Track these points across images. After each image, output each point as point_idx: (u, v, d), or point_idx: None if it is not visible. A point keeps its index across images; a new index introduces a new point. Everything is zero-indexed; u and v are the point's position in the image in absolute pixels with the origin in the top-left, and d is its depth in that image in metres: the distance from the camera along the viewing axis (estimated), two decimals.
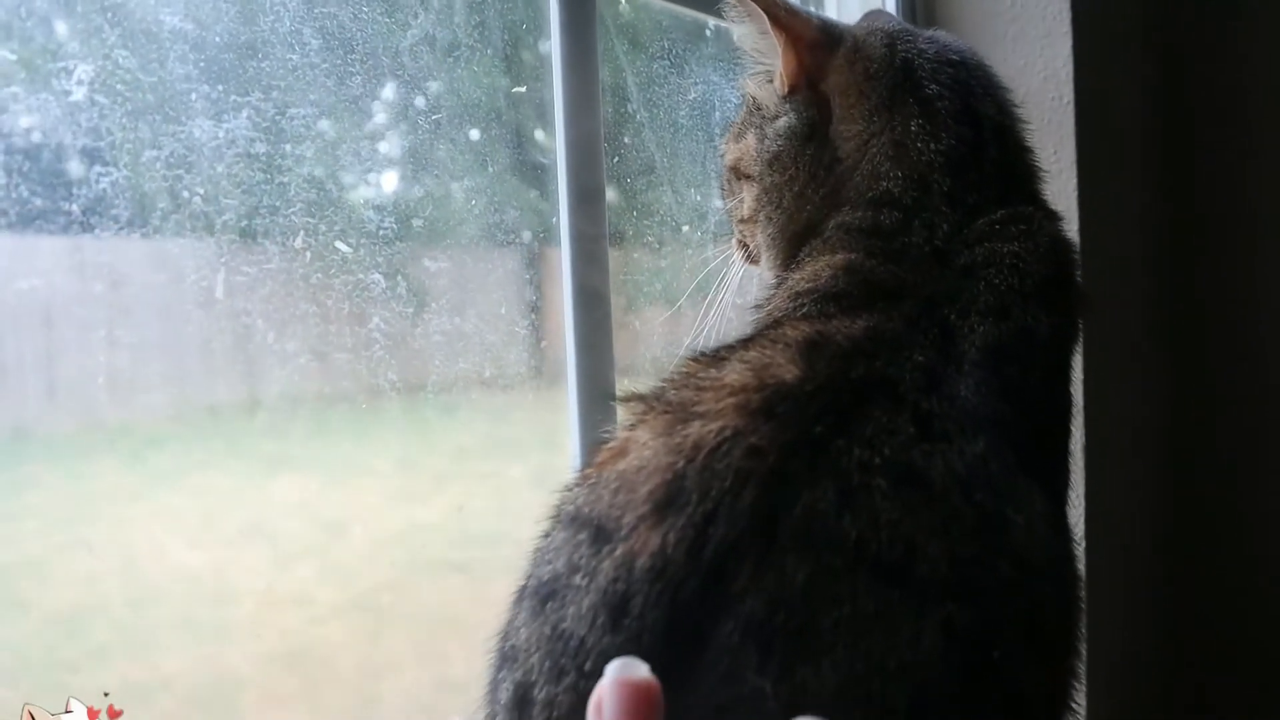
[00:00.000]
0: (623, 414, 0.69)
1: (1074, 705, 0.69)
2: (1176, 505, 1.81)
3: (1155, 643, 1.76)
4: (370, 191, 0.94)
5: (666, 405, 0.65)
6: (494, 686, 0.64)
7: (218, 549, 0.92)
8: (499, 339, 1.08)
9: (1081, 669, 0.69)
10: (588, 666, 0.57)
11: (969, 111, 0.81)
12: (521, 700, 0.60)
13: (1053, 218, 0.81)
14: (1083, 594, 0.70)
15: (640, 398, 0.69)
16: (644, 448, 0.62)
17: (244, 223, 0.80)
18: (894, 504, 0.58)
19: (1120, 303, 1.47)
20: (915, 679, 0.55)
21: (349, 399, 0.95)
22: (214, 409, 0.89)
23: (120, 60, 0.75)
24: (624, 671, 0.41)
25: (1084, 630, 0.70)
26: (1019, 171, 0.84)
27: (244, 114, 0.81)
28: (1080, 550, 1.25)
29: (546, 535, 0.66)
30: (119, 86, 0.75)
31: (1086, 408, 1.26)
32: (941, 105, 0.80)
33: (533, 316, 1.10)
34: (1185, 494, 1.81)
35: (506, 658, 0.63)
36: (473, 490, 1.18)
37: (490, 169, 1.03)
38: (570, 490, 0.66)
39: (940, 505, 0.60)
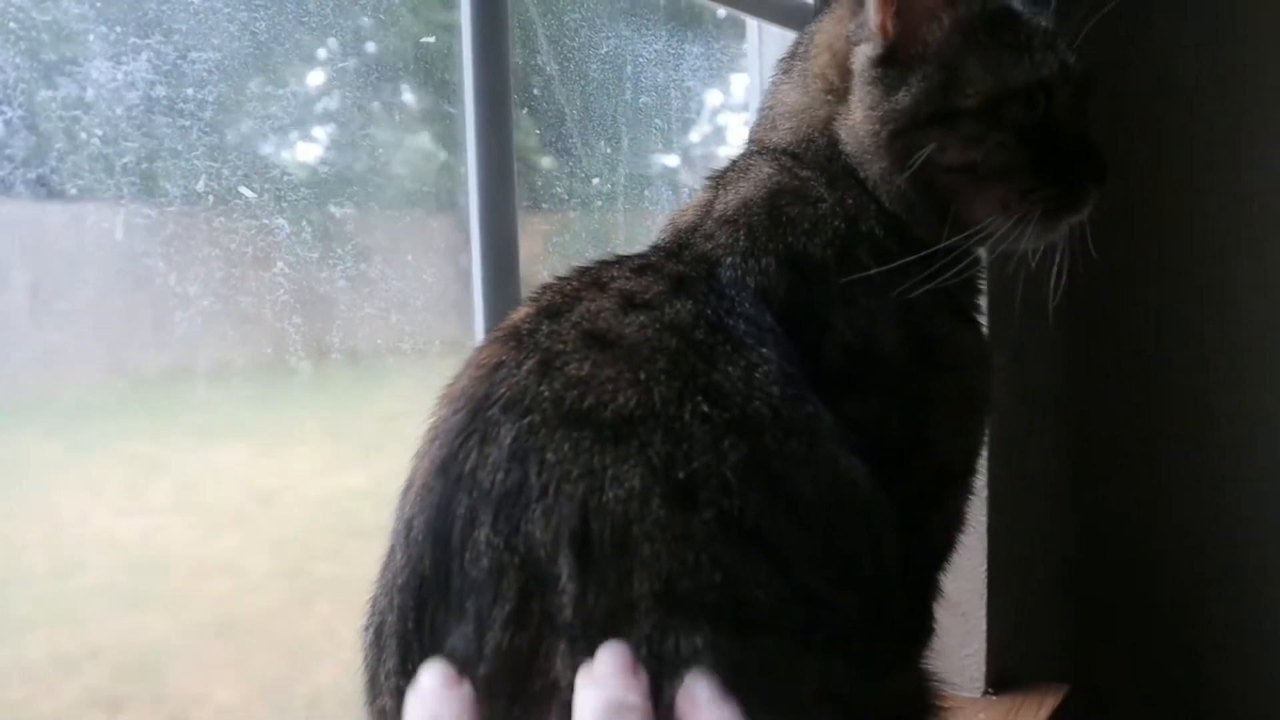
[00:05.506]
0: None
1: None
2: (1080, 447, 1.89)
3: (1061, 587, 1.84)
4: (289, 150, 0.94)
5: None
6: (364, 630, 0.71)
7: (144, 517, 0.91)
8: (428, 304, 1.09)
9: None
10: (397, 601, 0.64)
11: None
12: (376, 638, 0.68)
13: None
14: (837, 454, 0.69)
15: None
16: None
17: (144, 165, 0.80)
18: (584, 360, 0.65)
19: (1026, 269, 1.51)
20: (620, 514, 0.59)
21: (273, 363, 0.95)
22: (132, 374, 0.88)
23: None
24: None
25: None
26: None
27: (144, 56, 0.81)
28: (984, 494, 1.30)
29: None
30: (11, 24, 0.75)
31: (1012, 365, 1.32)
32: None
33: (463, 281, 1.10)
34: (1089, 434, 1.90)
35: (370, 608, 0.70)
36: (404, 455, 1.17)
37: (399, 118, 1.04)
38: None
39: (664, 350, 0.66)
